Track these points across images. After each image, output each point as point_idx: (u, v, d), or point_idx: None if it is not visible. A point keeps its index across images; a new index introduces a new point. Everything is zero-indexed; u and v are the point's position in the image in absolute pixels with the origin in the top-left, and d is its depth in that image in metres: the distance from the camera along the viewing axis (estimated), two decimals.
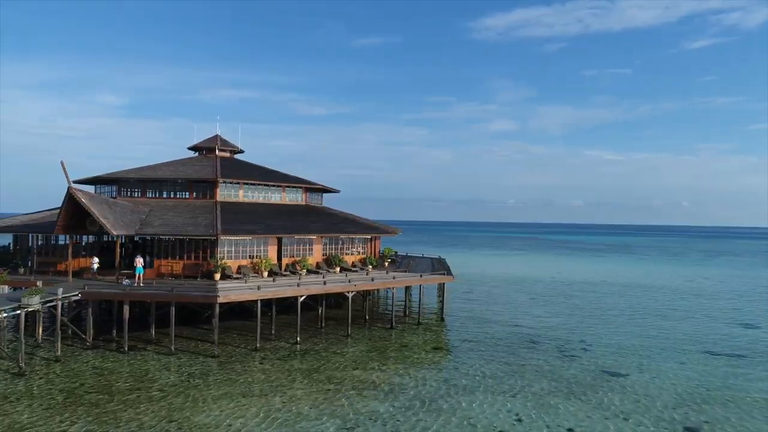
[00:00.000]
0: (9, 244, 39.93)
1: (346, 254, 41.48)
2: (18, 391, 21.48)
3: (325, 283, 32.24)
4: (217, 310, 27.39)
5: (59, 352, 25.99)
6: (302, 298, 30.74)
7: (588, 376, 25.31)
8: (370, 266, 40.81)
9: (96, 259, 30.01)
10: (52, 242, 36.41)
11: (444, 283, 40.37)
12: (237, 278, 32.87)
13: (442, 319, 38.74)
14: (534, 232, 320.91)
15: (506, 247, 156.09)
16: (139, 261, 30.00)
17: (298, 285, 30.79)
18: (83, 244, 37.07)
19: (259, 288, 28.91)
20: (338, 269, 38.64)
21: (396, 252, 50.92)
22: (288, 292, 30.09)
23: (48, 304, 25.56)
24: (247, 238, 34.22)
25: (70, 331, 29.27)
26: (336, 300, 40.53)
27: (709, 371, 26.72)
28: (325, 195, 49.94)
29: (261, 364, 26.30)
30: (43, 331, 28.49)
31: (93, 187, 42.79)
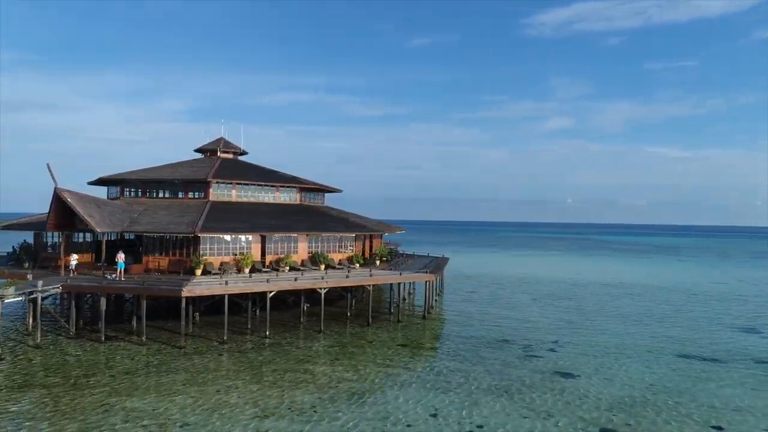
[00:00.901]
0: (24, 241, 43.21)
1: (338, 252, 42.32)
2: None
3: (296, 279, 33.20)
4: (183, 303, 28.88)
5: (39, 340, 28.22)
6: (271, 294, 31.80)
7: (536, 376, 24.98)
8: (357, 264, 41.47)
9: (75, 256, 32.19)
10: (58, 240, 39.17)
11: (429, 281, 40.38)
12: (216, 274, 34.38)
13: (424, 318, 38.87)
14: (588, 233, 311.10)
15: (544, 248, 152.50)
16: (120, 257, 31.96)
17: (267, 281, 31.87)
18: (81, 241, 39.58)
19: (226, 283, 30.22)
20: (323, 267, 39.54)
21: (391, 250, 51.36)
22: (257, 288, 31.24)
23: (30, 296, 27.85)
24: (226, 236, 35.69)
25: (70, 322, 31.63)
26: (328, 297, 41.44)
27: (670, 376, 25.74)
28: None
29: (220, 356, 27.54)
30: (33, 320, 30.91)
31: (106, 187, 45.78)
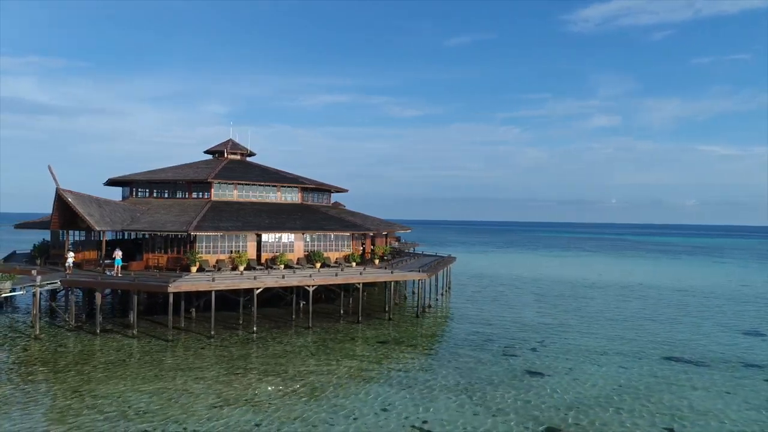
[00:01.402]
0: (44, 239, 45.71)
1: (335, 251, 43.00)
2: None
3: (283, 276, 34.00)
4: (171, 299, 30.09)
5: (38, 332, 29.96)
6: (258, 291, 32.69)
7: (506, 375, 24.89)
8: (353, 263, 42.01)
9: (71, 254, 33.94)
10: (67, 238, 41.26)
11: (423, 280, 40.55)
12: (210, 271, 35.58)
13: (417, 316, 39.05)
14: (628, 234, 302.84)
15: (575, 248, 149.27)
16: (118, 254, 33.53)
17: (254, 278, 32.79)
18: (93, 240, 41.58)
19: (213, 280, 31.29)
20: (319, 265, 40.28)
21: (393, 249, 51.69)
22: (243, 285, 32.18)
23: (31, 291, 29.64)
24: (219, 234, 36.86)
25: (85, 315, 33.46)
26: (326, 295, 42.25)
27: (645, 378, 25.16)
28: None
29: (203, 349, 28.56)
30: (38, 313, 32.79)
31: (120, 188, 47.94)
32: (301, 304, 38.49)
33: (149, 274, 34.11)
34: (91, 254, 38.59)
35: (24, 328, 32.31)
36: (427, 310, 41.92)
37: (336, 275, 35.76)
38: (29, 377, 23.04)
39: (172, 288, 29.49)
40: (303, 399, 21.07)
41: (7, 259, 41.89)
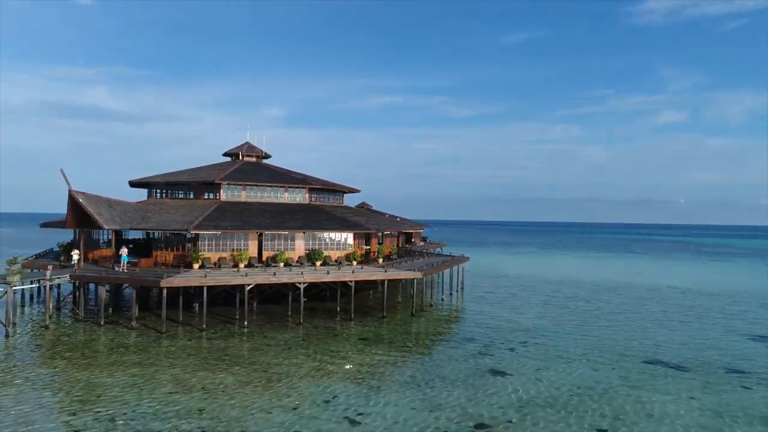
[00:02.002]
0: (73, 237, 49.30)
1: (338, 250, 44.00)
2: None
3: (274, 274, 35.33)
4: (165, 294, 32.03)
5: (47, 322, 32.68)
6: (249, 287, 34.15)
7: (467, 373, 24.97)
8: (354, 262, 42.86)
9: (76, 251, 36.59)
10: (107, 237, 44.27)
11: (422, 278, 40.85)
12: (210, 268, 37.45)
13: (412, 315, 39.39)
14: (694, 236, 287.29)
15: (622, 250, 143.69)
16: (124, 251, 35.93)
17: (246, 275, 34.29)
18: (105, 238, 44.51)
19: (205, 276, 33.01)
20: (318, 263, 41.42)
21: (401, 248, 52.06)
22: (233, 281, 33.73)
23: (42, 284, 32.45)
24: (218, 233, 38.66)
25: (102, 308, 36.24)
26: (331, 294, 43.28)
27: (608, 380, 24.54)
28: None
29: (189, 341, 30.25)
30: (52, 305, 35.72)
31: (146, 189, 50.98)
32: (302, 302, 39.80)
33: (154, 270, 36.27)
34: (109, 251, 41.38)
35: (37, 318, 35.25)
36: (427, 309, 42.19)
37: (327, 273, 36.72)
38: (25, 360, 25.36)
39: (164, 283, 31.38)
40: (256, 389, 22.12)
41: (40, 256, 45.53)
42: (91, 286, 40.94)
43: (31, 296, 41.76)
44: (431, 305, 43.94)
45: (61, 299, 39.13)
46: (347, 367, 25.43)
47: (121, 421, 18.41)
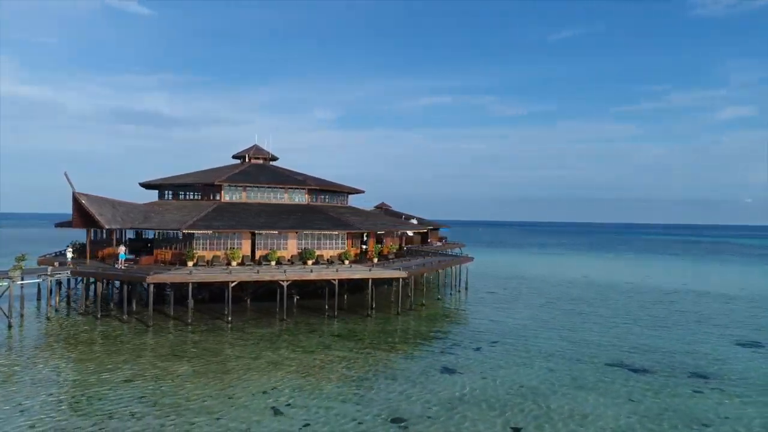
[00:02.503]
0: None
1: (331, 249, 45.05)
2: None
3: (258, 272, 36.70)
4: (152, 289, 33.99)
5: (49, 314, 35.35)
6: (233, 284, 35.68)
7: (418, 371, 25.35)
8: (346, 261, 43.77)
9: (70, 250, 39.15)
10: (104, 237, 47.34)
11: (409, 277, 41.27)
12: (202, 266, 39.29)
13: (398, 314, 39.88)
14: (758, 236, 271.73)
15: (657, 252, 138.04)
16: (122, 249, 38.26)
17: (230, 272, 35.84)
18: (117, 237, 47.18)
19: (191, 273, 34.78)
20: (310, 262, 42.58)
21: (400, 247, 52.49)
22: (218, 278, 35.32)
23: (44, 279, 35.17)
24: (210, 232, 40.45)
25: (98, 302, 38.91)
26: (329, 292, 44.38)
27: (560, 381, 24.35)
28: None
29: (169, 334, 32.02)
30: (56, 298, 38.52)
31: (157, 191, 53.68)
32: (295, 299, 41.24)
33: (149, 268, 38.40)
34: (116, 250, 44.02)
35: (43, 310, 38.07)
36: (418, 308, 42.59)
37: (311, 272, 37.80)
38: (16, 349, 27.72)
39: (150, 279, 33.32)
40: (206, 379, 23.37)
41: (58, 254, 48.89)
42: (92, 281, 43.53)
43: (39, 290, 44.96)
44: (423, 305, 44.26)
45: (65, 293, 41.94)
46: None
47: (66, 403, 20.07)
